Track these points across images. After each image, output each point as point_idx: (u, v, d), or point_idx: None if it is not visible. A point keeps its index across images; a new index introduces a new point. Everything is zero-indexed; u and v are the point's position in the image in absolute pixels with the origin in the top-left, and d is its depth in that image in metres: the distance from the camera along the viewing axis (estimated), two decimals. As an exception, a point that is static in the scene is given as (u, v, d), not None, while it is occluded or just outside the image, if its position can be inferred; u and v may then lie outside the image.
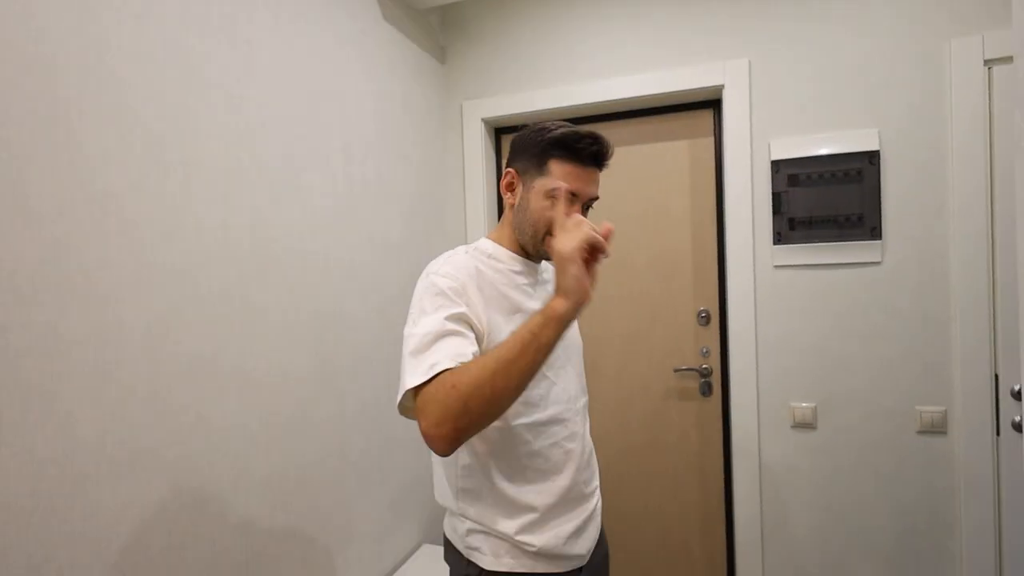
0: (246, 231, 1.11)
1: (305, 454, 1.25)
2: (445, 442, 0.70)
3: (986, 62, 1.44)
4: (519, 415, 0.87)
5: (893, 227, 1.55)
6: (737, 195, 1.67)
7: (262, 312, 1.15)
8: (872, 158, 1.54)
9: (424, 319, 0.80)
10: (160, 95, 0.95)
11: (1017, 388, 1.45)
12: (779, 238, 1.64)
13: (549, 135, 0.89)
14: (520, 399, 0.79)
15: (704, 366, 1.82)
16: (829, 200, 1.59)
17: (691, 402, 1.84)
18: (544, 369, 0.87)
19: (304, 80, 1.29)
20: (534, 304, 0.92)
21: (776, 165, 1.62)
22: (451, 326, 0.79)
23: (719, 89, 1.69)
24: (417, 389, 0.73)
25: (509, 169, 0.94)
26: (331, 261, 1.36)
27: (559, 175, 0.89)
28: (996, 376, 1.47)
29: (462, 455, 0.90)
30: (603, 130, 1.92)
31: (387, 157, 1.62)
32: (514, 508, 0.88)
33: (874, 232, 1.55)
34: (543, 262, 1.00)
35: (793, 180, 1.61)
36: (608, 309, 1.90)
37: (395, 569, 1.57)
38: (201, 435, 1.00)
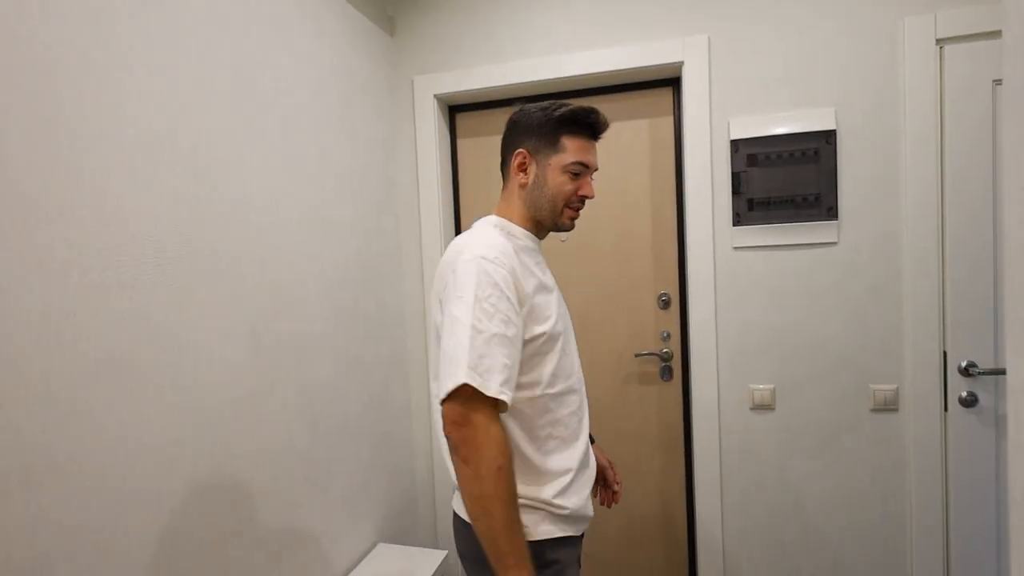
0: (166, 209, 0.99)
1: (243, 454, 1.14)
2: (455, 430, 0.80)
3: (938, 41, 1.44)
4: (549, 384, 0.93)
5: (849, 207, 1.55)
6: (697, 175, 1.64)
7: (188, 300, 1.03)
8: (829, 137, 1.53)
9: (478, 309, 0.82)
10: (60, 54, 0.82)
11: (964, 364, 1.48)
12: (738, 219, 1.62)
13: (558, 113, 0.96)
14: (549, 370, 0.92)
15: (665, 350, 1.80)
16: (787, 180, 1.57)
17: (651, 386, 1.82)
18: (563, 344, 0.96)
19: (233, 45, 1.16)
20: (548, 280, 1.00)
21: (735, 145, 1.60)
22: (510, 331, 0.84)
23: (679, 66, 1.64)
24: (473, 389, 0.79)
25: (520, 150, 0.99)
26: (269, 243, 1.25)
27: (572, 150, 0.97)
28: (945, 353, 1.50)
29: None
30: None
31: (331, 133, 1.51)
32: (545, 475, 0.93)
33: (831, 212, 1.55)
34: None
35: (752, 160, 1.59)
36: (568, 294, 1.84)
37: (348, 571, 1.48)
38: (116, 441, 0.88)
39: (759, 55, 1.58)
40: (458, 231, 1.97)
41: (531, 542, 0.90)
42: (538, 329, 0.91)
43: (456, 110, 1.94)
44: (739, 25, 1.59)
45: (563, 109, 0.96)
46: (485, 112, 1.91)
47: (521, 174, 1.00)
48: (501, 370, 0.80)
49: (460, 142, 1.95)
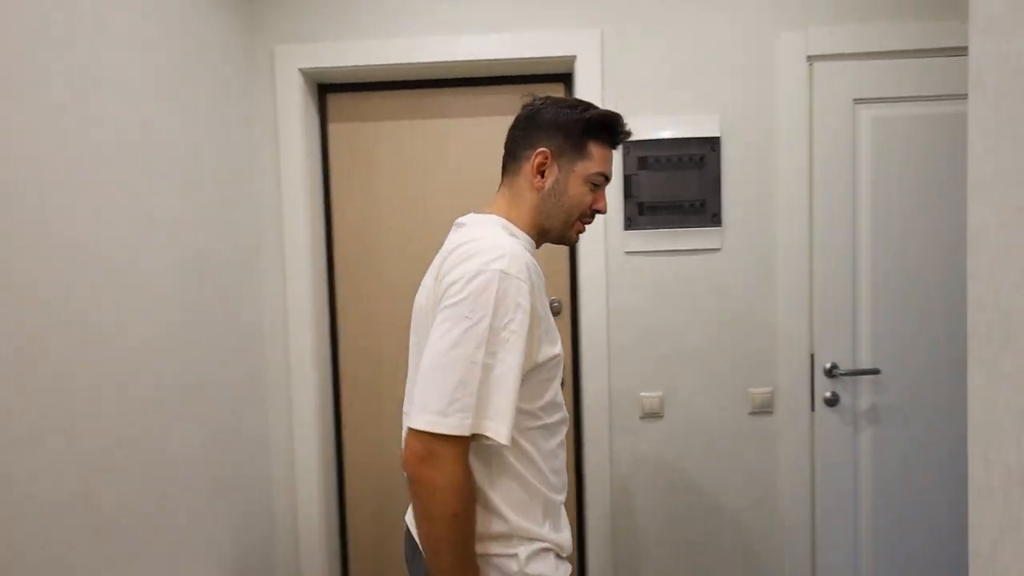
0: None
1: (14, 527, 0.83)
2: (415, 464, 0.72)
3: (808, 58, 1.51)
4: (552, 412, 0.85)
5: (731, 214, 1.57)
6: (589, 177, 1.57)
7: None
8: (714, 144, 1.55)
9: (493, 339, 0.73)
10: None
11: (828, 366, 1.57)
12: (629, 223, 1.58)
13: (588, 115, 0.88)
14: (552, 397, 0.83)
15: (556, 358, 1.71)
16: (676, 185, 1.56)
17: (543, 397, 1.73)
18: (559, 372, 0.86)
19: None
20: None
21: (627, 146, 1.55)
22: (522, 359, 0.74)
23: (571, 61, 1.57)
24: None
25: (542, 149, 0.88)
26: (60, 242, 0.94)
27: (599, 159, 0.89)
28: (812, 356, 1.58)
29: (508, 475, 0.81)
30: (448, 98, 1.66)
31: (159, 103, 1.20)
32: (553, 514, 0.86)
33: (715, 219, 1.56)
34: None
35: (643, 163, 1.56)
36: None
37: (180, 648, 1.19)
38: None
39: (652, 54, 1.55)
40: (329, 228, 1.73)
41: None
42: (552, 350, 0.82)
43: (327, 90, 1.70)
44: (633, 21, 1.55)
45: (594, 111, 0.88)
46: (361, 95, 1.69)
47: (538, 177, 0.89)
48: (503, 412, 0.72)
49: (332, 127, 1.71)
